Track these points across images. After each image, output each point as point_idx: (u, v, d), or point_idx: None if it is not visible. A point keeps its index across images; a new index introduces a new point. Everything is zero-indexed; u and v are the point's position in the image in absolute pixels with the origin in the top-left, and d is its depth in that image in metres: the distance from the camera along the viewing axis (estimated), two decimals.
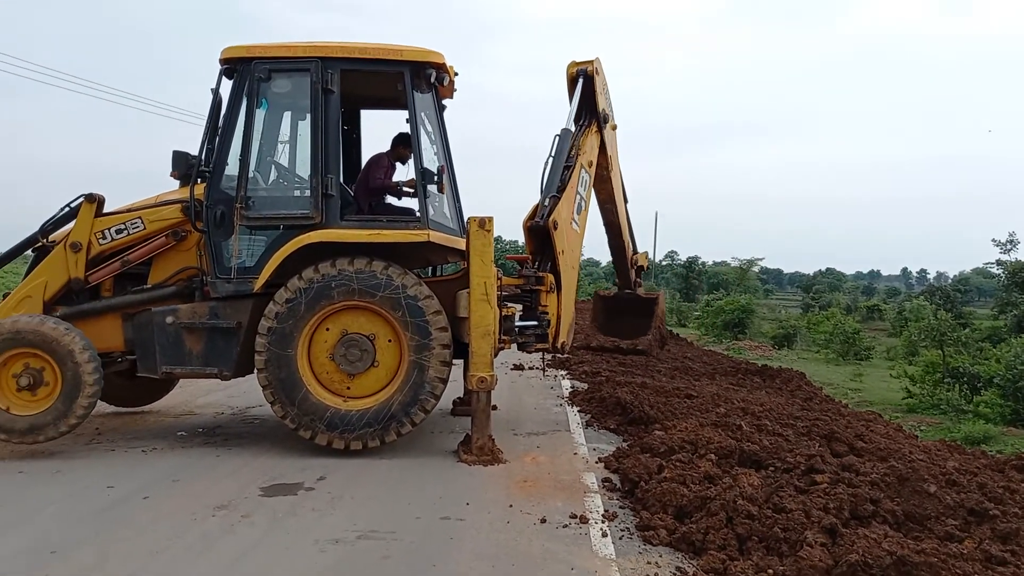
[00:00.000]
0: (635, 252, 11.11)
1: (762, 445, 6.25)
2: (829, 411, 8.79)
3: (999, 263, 33.21)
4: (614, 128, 8.89)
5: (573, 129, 8.17)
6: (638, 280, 10.77)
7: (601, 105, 8.54)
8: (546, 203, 7.47)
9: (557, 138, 7.91)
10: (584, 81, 8.39)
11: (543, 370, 10.78)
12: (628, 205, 10.39)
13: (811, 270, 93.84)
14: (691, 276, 52.34)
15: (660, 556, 4.41)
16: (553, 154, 7.77)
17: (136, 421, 7.92)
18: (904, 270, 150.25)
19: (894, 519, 4.73)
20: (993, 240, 33.79)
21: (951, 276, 72.01)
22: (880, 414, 10.03)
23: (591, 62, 8.49)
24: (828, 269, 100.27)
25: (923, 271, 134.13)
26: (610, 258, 10.95)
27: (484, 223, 6.35)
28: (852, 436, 6.73)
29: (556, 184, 7.60)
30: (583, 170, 8.04)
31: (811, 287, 73.04)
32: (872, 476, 5.24)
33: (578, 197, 7.86)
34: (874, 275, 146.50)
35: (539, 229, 7.38)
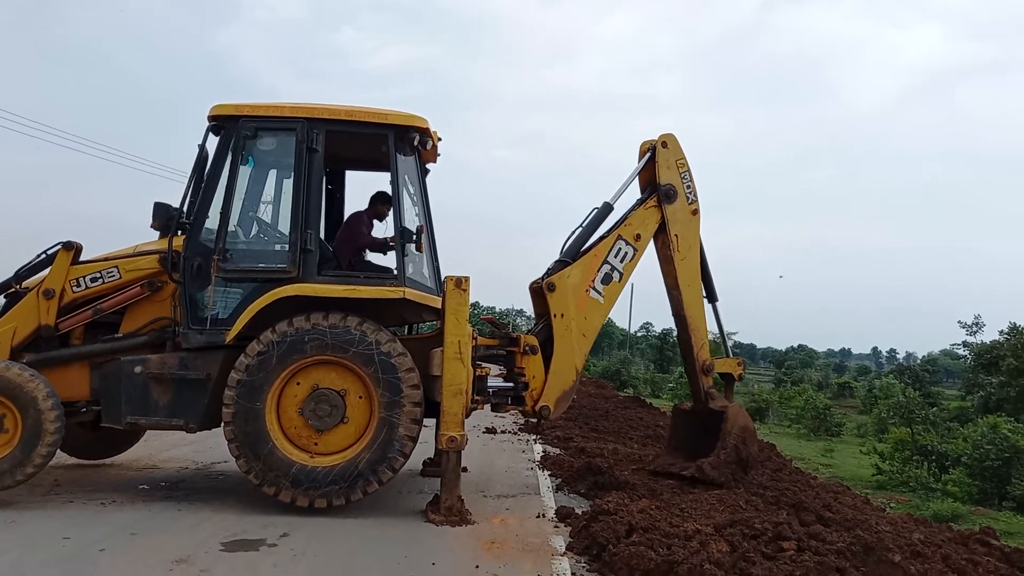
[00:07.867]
0: (722, 356, 8.69)
1: None
2: (798, 482, 8.82)
3: (965, 345, 33.89)
4: (694, 212, 8.13)
5: (613, 203, 7.95)
6: (709, 390, 8.23)
7: (665, 179, 8.05)
8: (552, 266, 7.63)
9: (595, 210, 7.90)
10: (650, 155, 8.13)
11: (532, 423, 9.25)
12: (716, 303, 8.54)
13: (784, 346, 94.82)
14: (666, 348, 52.64)
15: None
16: (583, 224, 7.82)
17: (96, 473, 7.73)
18: (874, 349, 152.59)
19: None
20: (959, 322, 34.55)
21: (920, 356, 73.20)
22: (849, 487, 10.06)
23: (664, 136, 8.18)
24: (800, 346, 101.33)
25: (892, 351, 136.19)
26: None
27: (461, 282, 6.42)
28: (820, 506, 6.76)
29: (574, 251, 7.68)
30: (622, 240, 7.83)
31: (783, 362, 73.76)
32: (838, 545, 5.24)
33: (607, 267, 7.73)
34: (845, 353, 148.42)
35: (536, 289, 7.52)
